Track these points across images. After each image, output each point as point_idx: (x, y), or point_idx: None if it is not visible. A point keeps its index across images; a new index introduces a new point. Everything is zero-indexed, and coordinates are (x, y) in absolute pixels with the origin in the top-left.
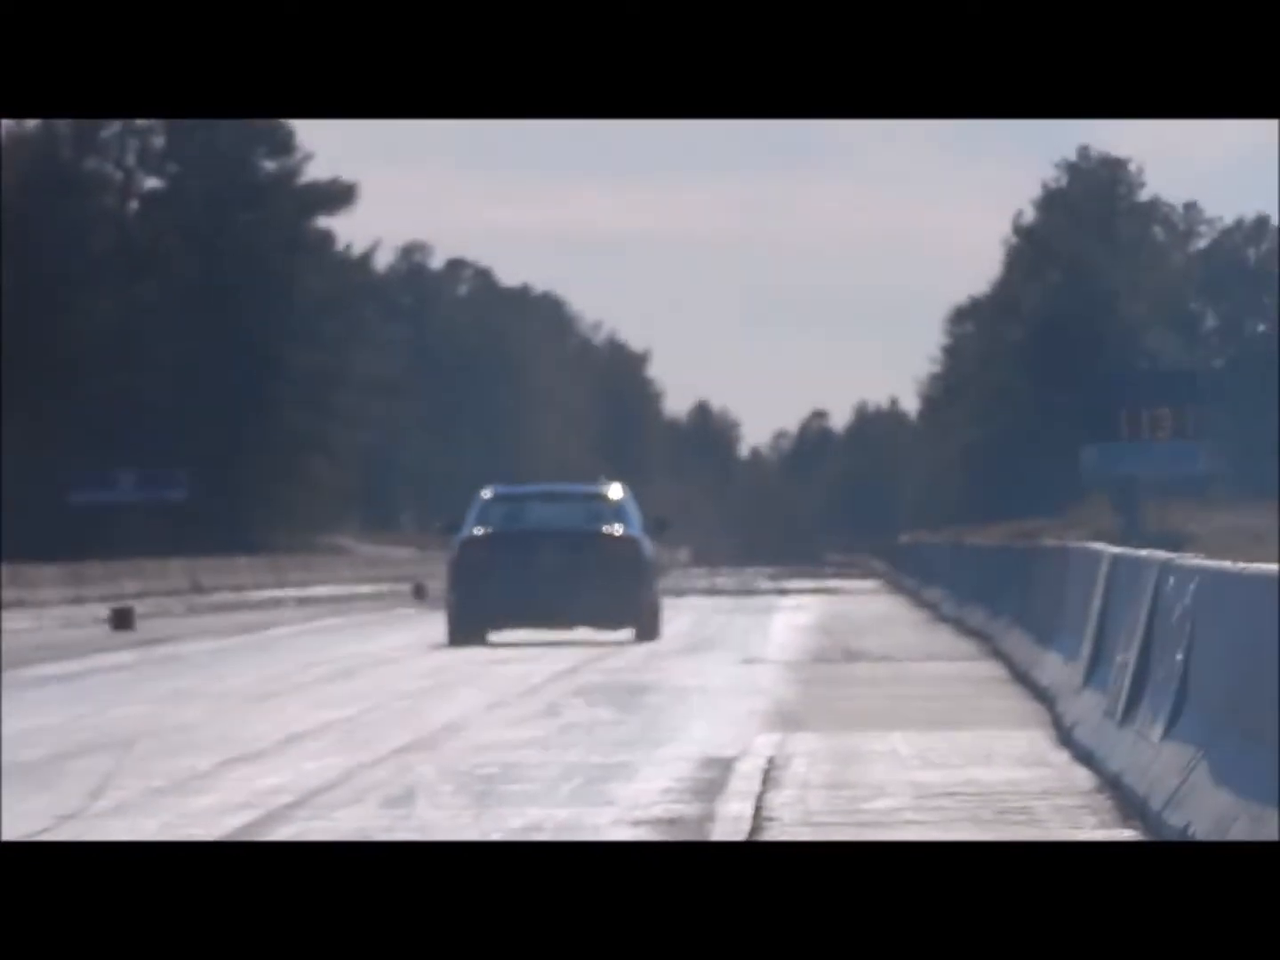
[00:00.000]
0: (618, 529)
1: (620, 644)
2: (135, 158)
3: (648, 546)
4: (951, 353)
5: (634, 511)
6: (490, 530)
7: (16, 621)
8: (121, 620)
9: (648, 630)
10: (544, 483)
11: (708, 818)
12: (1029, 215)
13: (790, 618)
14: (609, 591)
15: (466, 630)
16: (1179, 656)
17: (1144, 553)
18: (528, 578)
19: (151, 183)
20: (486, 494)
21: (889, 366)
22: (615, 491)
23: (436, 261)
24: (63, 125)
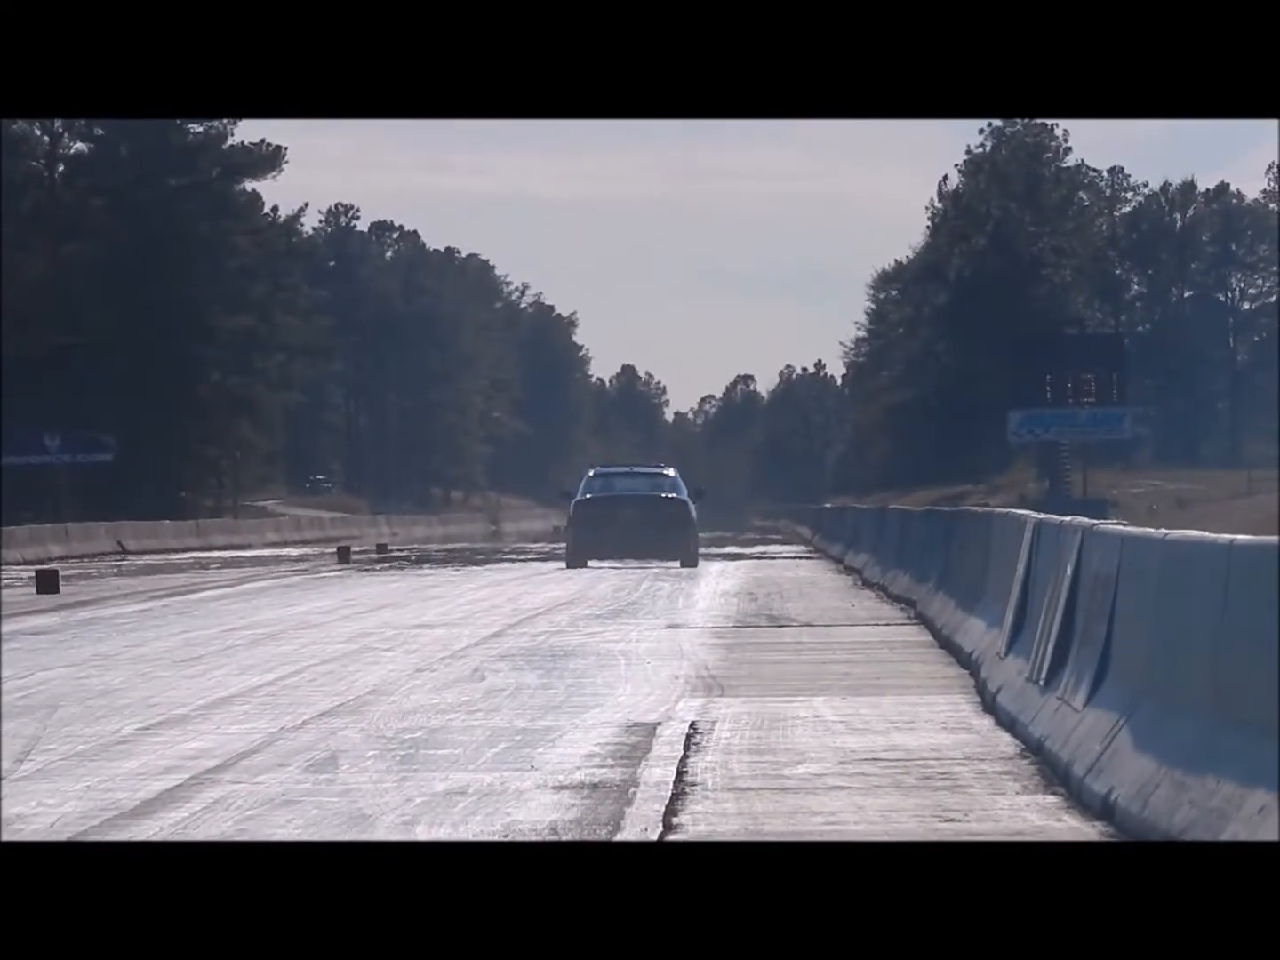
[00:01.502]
0: (672, 495)
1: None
2: (61, 121)
3: (691, 507)
4: (877, 318)
5: (682, 484)
6: (592, 495)
7: None
8: (46, 583)
9: (691, 560)
10: (626, 464)
11: (631, 783)
12: (954, 180)
13: (715, 583)
14: (666, 536)
15: (578, 560)
16: (1102, 623)
17: (1067, 519)
18: (616, 526)
19: (78, 146)
20: (591, 472)
21: (815, 331)
22: (670, 471)
23: (363, 224)
24: None
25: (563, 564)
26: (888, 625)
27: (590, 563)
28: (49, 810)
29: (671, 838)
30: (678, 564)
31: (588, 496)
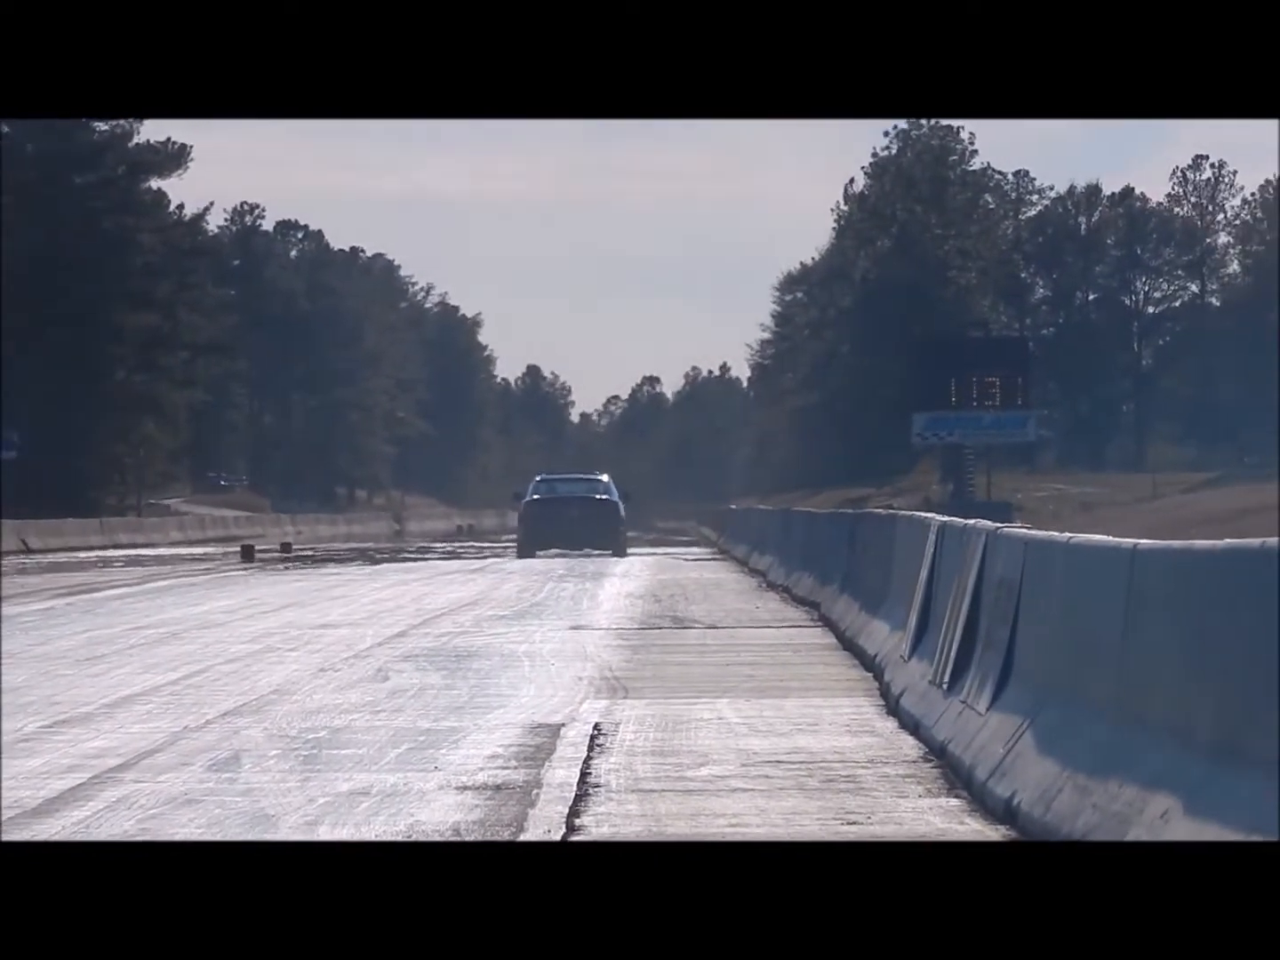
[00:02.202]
0: (605, 497)
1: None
2: None
3: (620, 507)
4: (782, 320)
5: (614, 488)
6: (539, 497)
7: None
8: None
9: (621, 551)
10: (565, 472)
11: (534, 784)
12: (860, 182)
13: (620, 584)
14: (600, 531)
15: (528, 551)
16: (1006, 627)
17: (971, 521)
18: (558, 523)
19: None
20: (537, 478)
21: (721, 334)
22: (604, 477)
23: (268, 223)
24: None
25: (467, 563)
26: (792, 627)
27: (538, 554)
28: None
29: (575, 838)
30: (610, 553)
31: (535, 498)
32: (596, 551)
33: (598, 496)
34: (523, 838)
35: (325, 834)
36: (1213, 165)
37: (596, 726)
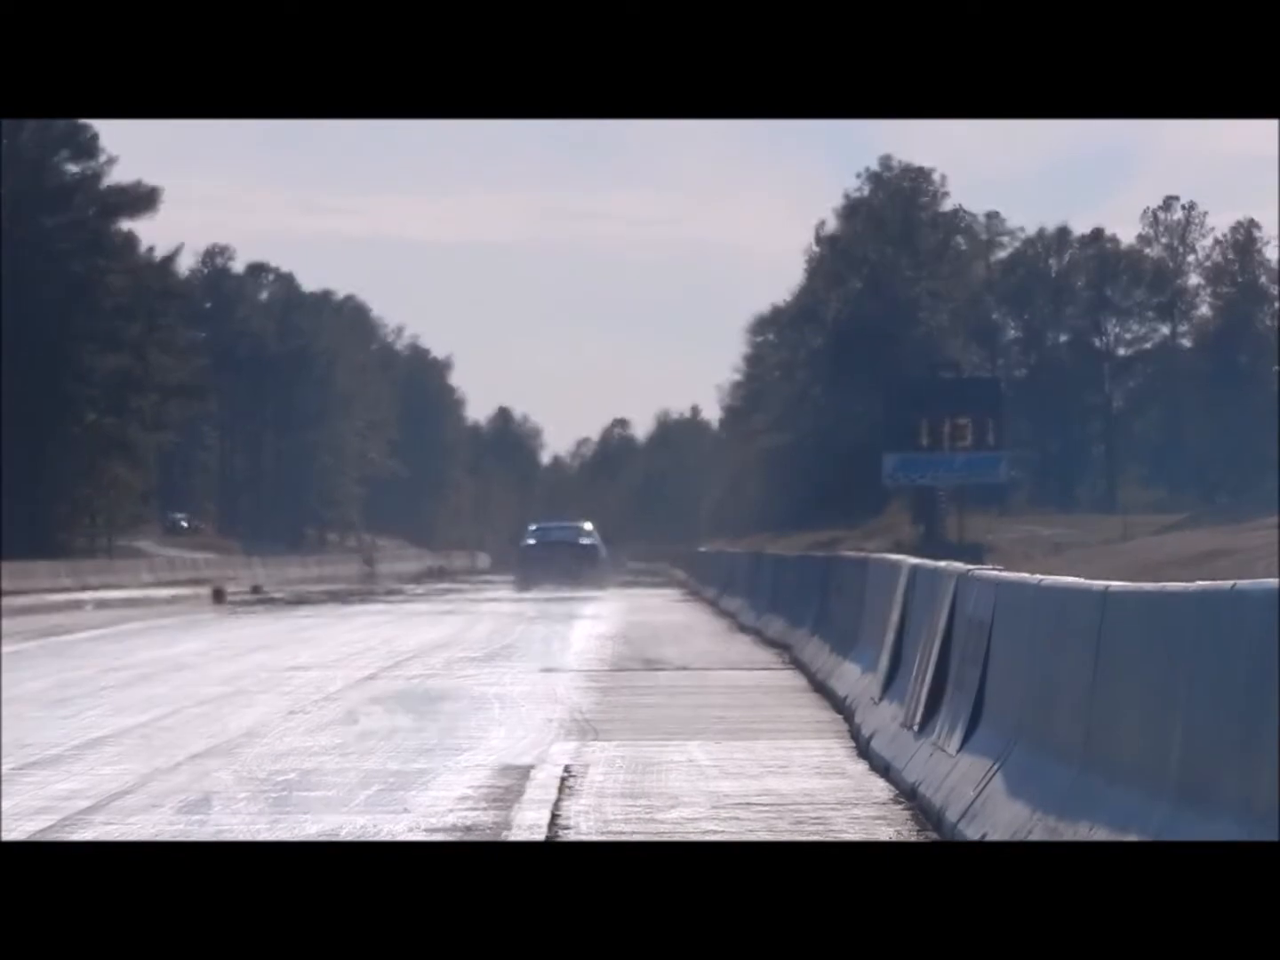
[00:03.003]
0: (588, 542)
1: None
2: None
3: (601, 550)
4: (753, 361)
5: (595, 534)
6: (534, 541)
7: None
8: None
9: (601, 586)
10: (556, 520)
11: (503, 825)
12: (831, 224)
13: (590, 626)
14: (584, 569)
15: (525, 586)
16: (976, 668)
17: (942, 564)
18: (549, 563)
19: None
20: (533, 526)
21: (692, 375)
22: (588, 525)
23: (239, 265)
24: None
25: (437, 605)
26: (763, 670)
27: (533, 590)
28: None
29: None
30: (593, 588)
31: (531, 542)
32: (581, 590)
33: (582, 541)
34: None
35: None
36: (1184, 206)
37: (566, 768)
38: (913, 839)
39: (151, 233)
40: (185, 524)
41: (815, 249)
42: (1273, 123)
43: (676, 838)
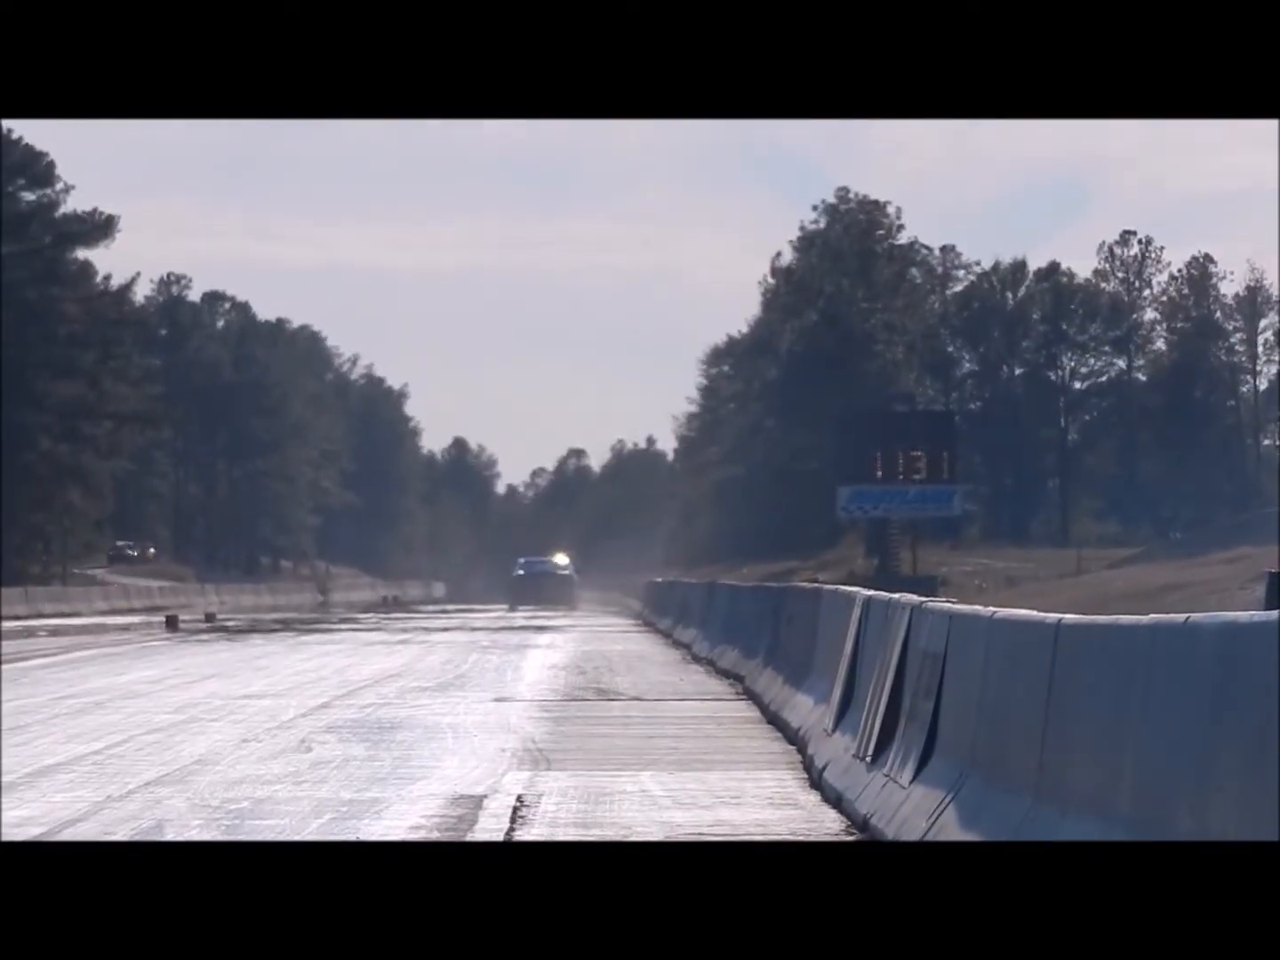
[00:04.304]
0: (564, 572)
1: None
2: None
3: (575, 578)
4: (708, 392)
5: (570, 565)
6: (522, 572)
7: None
8: None
9: (573, 606)
10: (537, 556)
11: None
12: (787, 255)
13: (544, 656)
14: (560, 593)
15: (514, 607)
16: (929, 700)
17: (896, 596)
18: (534, 589)
19: None
20: (521, 560)
21: (647, 406)
22: (564, 559)
23: (195, 294)
24: None
25: (391, 636)
26: (716, 700)
27: (520, 609)
28: None
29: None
30: (568, 608)
31: (520, 573)
32: (556, 609)
33: (559, 572)
34: None
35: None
36: (1140, 240)
37: (519, 798)
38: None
39: (108, 260)
40: (132, 551)
41: (770, 280)
42: (1224, 157)
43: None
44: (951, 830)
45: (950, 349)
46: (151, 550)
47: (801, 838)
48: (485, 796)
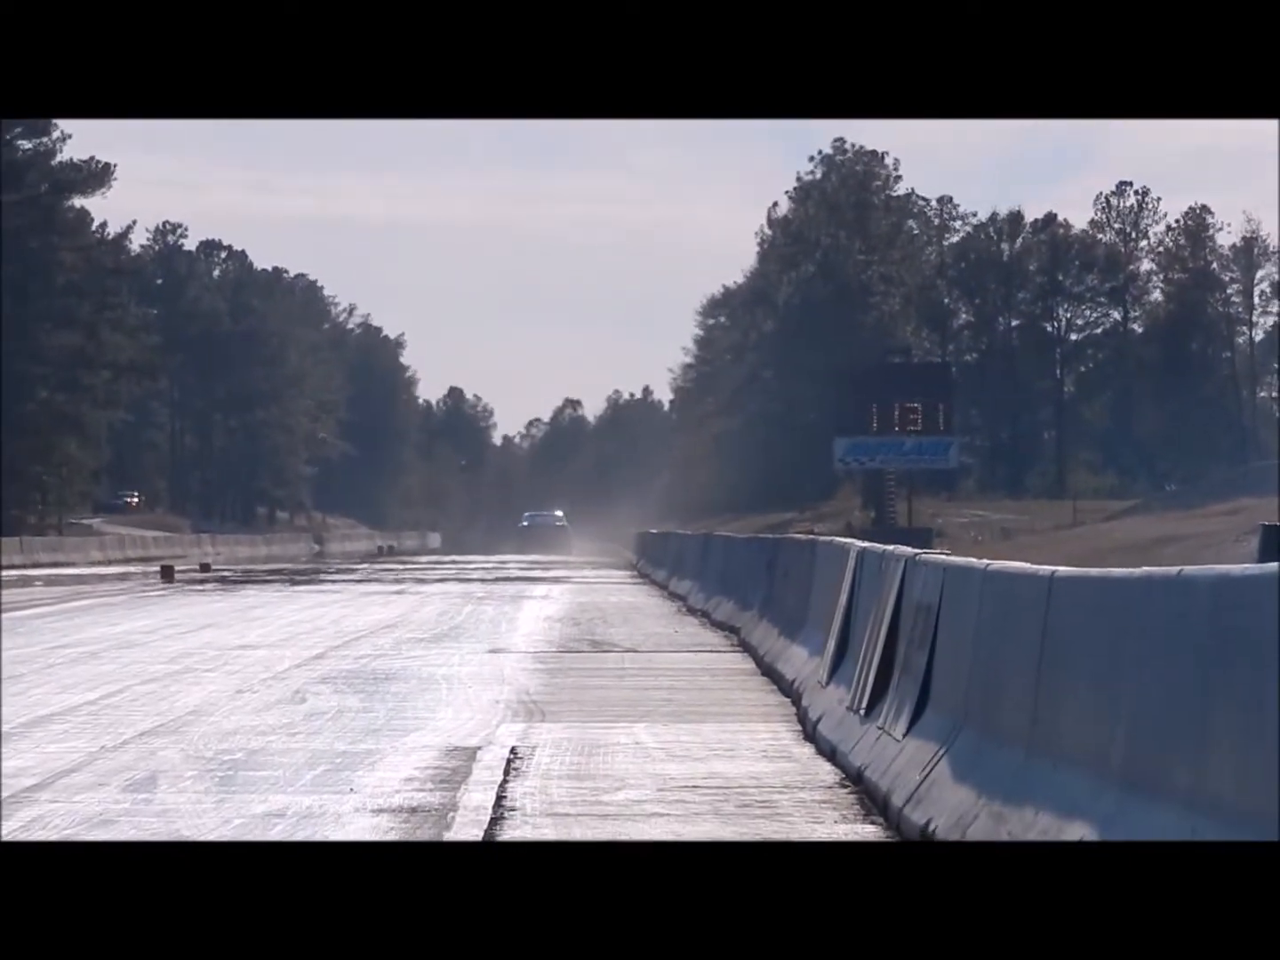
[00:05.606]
0: (560, 523)
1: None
2: None
3: (569, 528)
4: (705, 344)
5: (565, 517)
6: (526, 523)
7: None
8: None
9: (568, 552)
10: (538, 511)
11: (450, 806)
12: (784, 206)
13: (539, 607)
14: (558, 542)
15: (521, 551)
16: (923, 653)
17: (890, 547)
18: (536, 537)
19: None
20: (527, 513)
21: (643, 357)
22: (559, 513)
23: (191, 243)
24: None
25: (386, 586)
26: (710, 652)
27: (526, 551)
28: None
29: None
30: (564, 553)
31: (525, 524)
32: (556, 554)
33: (557, 524)
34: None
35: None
36: (1136, 191)
37: (513, 750)
38: (905, 840)
39: (104, 210)
40: (130, 499)
41: (767, 231)
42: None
43: (623, 820)
44: (945, 783)
45: (946, 301)
46: (138, 498)
47: (800, 838)
48: (479, 748)
